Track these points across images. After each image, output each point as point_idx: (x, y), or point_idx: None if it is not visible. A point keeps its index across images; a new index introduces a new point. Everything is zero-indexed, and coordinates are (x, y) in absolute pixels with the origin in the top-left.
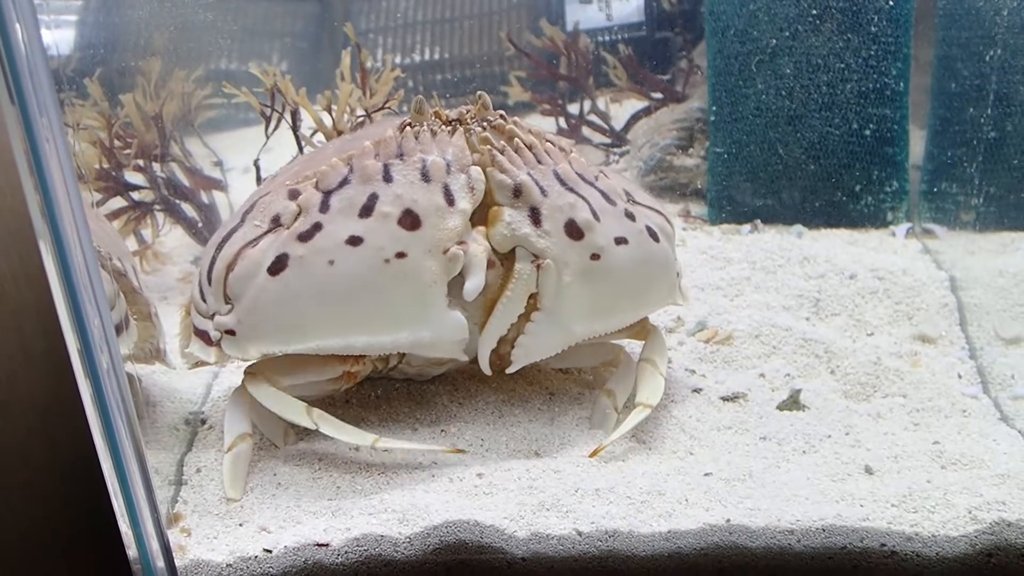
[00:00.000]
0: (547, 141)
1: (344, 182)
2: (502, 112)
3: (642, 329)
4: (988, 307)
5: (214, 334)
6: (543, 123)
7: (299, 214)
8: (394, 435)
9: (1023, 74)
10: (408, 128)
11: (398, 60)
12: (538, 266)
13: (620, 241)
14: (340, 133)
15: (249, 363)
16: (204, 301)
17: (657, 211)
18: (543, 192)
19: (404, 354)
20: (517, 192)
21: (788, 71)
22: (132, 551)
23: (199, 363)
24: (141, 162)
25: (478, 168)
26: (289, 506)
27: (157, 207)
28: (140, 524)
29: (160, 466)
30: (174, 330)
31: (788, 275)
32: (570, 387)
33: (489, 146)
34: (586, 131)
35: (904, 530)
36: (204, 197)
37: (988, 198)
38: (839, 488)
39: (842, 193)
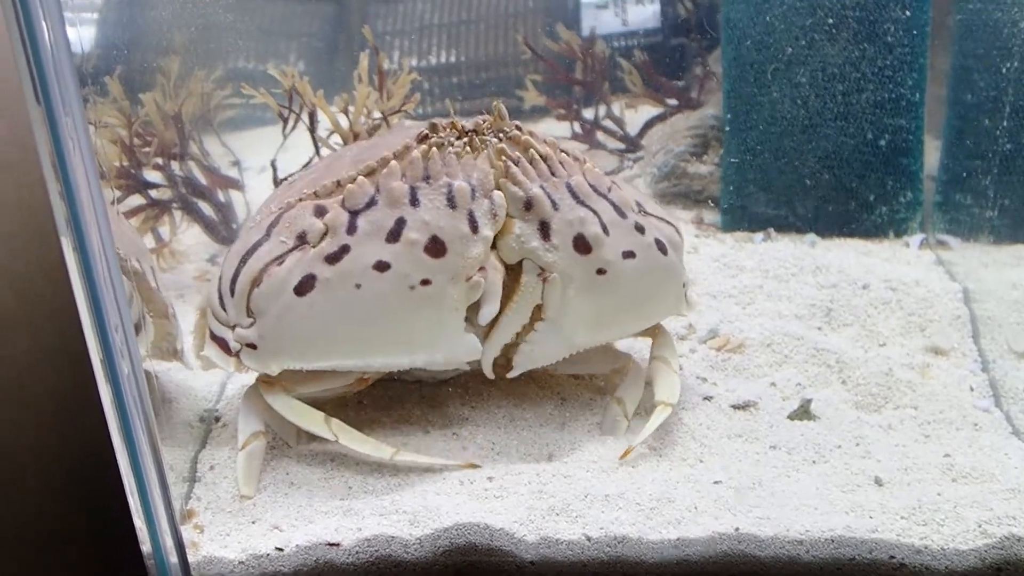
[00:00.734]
0: (562, 151)
1: (371, 203)
2: (518, 123)
3: (649, 328)
4: (1001, 320)
5: (234, 345)
6: (557, 128)
7: (325, 233)
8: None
9: None
10: (432, 146)
11: (414, 63)
12: (544, 279)
13: (628, 255)
14: (357, 135)
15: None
16: (224, 309)
17: (667, 222)
18: (554, 206)
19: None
20: (528, 205)
21: (803, 80)
22: (146, 547)
23: (213, 366)
24: (160, 160)
25: (500, 194)
26: (301, 505)
27: (175, 205)
28: (155, 520)
29: (174, 463)
30: (191, 329)
31: (801, 284)
32: (582, 392)
33: (504, 158)
34: (600, 136)
35: (913, 543)
36: (221, 196)
37: (1003, 210)
38: (848, 499)
39: (856, 203)
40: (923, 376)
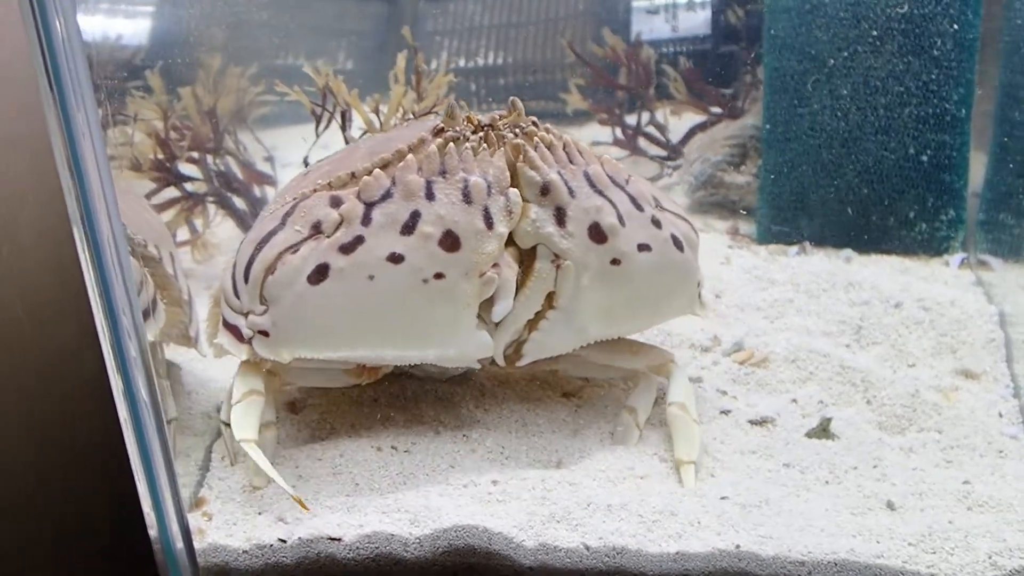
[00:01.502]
0: (577, 150)
1: (387, 195)
2: (534, 118)
3: (663, 365)
4: None
5: (246, 332)
6: (600, 133)
7: (340, 223)
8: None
9: None
10: (447, 139)
11: (462, 63)
12: (557, 266)
13: (643, 248)
14: None
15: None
16: (237, 297)
17: (683, 218)
18: (571, 193)
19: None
20: (545, 190)
21: (845, 92)
22: (153, 531)
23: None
24: (195, 154)
25: (516, 191)
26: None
27: (210, 199)
28: (162, 506)
29: (191, 452)
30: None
31: (832, 300)
32: (598, 400)
33: (520, 151)
34: (643, 143)
35: (919, 571)
36: (256, 191)
37: None
38: (857, 522)
39: (895, 219)
40: (950, 399)
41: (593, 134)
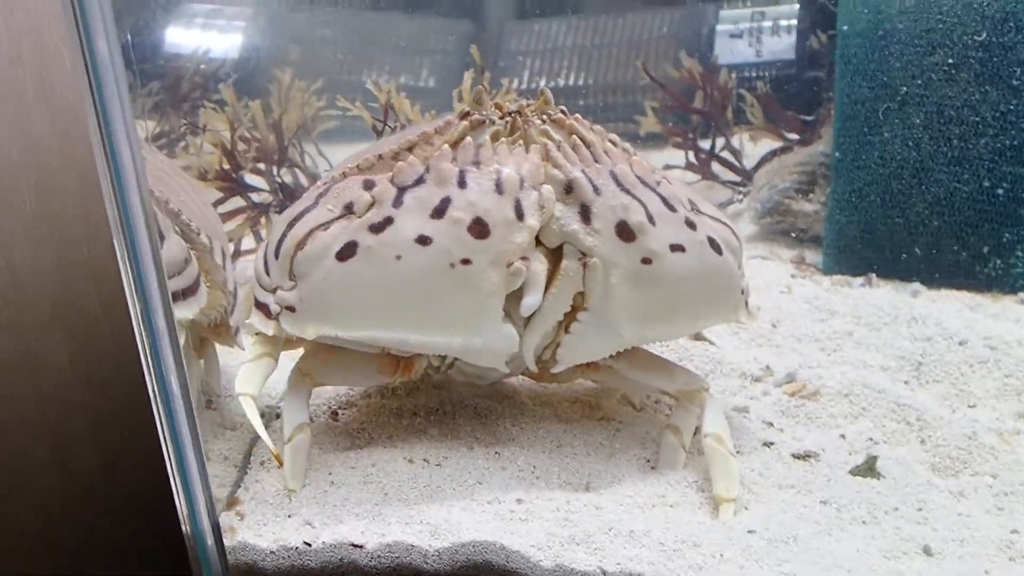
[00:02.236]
0: (609, 142)
1: (419, 180)
2: (563, 107)
3: (696, 393)
4: None
5: (274, 307)
6: (674, 156)
7: (372, 204)
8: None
9: None
10: (473, 122)
11: (543, 83)
12: (584, 264)
13: (676, 248)
14: None
15: (300, 355)
16: (268, 275)
17: (724, 223)
18: (596, 190)
19: (453, 361)
20: (568, 188)
21: (917, 121)
22: (186, 527)
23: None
24: (262, 166)
25: (549, 187)
26: (336, 505)
27: (274, 209)
28: (195, 504)
29: (230, 453)
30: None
31: (893, 334)
32: (637, 425)
33: (546, 139)
34: (717, 168)
35: None
36: None
37: None
38: (888, 566)
39: (968, 253)
40: (1010, 443)
41: (667, 157)
